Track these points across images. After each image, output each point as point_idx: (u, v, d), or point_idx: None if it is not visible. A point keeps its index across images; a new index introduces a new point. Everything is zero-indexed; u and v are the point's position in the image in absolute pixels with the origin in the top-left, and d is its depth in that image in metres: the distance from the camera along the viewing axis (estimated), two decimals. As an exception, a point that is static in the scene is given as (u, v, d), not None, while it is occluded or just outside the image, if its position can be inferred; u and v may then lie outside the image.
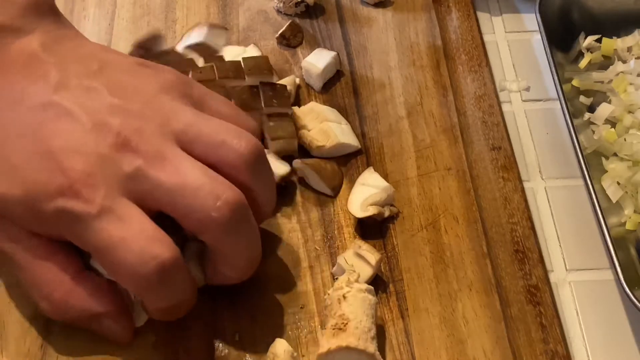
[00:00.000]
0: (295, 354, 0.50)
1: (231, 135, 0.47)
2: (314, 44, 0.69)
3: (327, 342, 0.48)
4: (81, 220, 0.43)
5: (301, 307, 0.54)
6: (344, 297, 0.50)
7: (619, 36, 0.69)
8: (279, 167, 0.58)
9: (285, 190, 0.59)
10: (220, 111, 0.50)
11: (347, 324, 0.48)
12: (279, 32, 0.69)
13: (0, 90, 0.47)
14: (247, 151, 0.47)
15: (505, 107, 0.66)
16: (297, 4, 0.71)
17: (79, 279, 0.47)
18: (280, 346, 0.49)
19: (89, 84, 0.47)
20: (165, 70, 0.51)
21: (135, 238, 0.43)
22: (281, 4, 0.71)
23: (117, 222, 0.43)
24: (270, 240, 0.57)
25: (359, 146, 0.61)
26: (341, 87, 0.66)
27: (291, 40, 0.69)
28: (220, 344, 0.52)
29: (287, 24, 0.69)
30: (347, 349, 0.48)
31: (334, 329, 0.49)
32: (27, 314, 0.53)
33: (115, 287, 0.49)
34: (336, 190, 0.59)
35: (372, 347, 0.48)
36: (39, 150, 0.44)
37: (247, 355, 0.51)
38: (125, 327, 0.49)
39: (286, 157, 0.60)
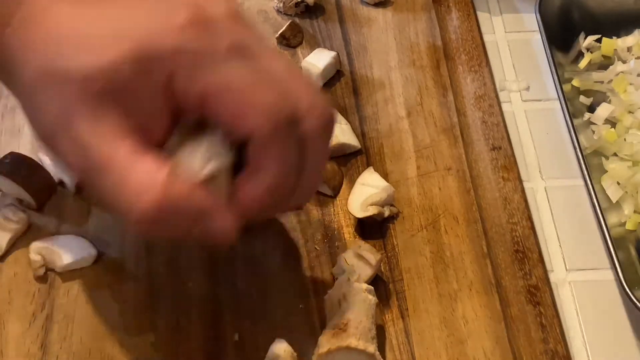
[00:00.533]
0: (295, 354, 0.50)
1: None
2: (314, 44, 0.69)
3: (327, 342, 0.48)
4: (207, 57, 0.41)
5: (301, 307, 0.54)
6: (344, 297, 0.50)
7: (619, 36, 0.69)
8: None
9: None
10: None
11: (347, 324, 0.48)
12: (279, 32, 0.69)
13: None
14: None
15: (505, 107, 0.66)
16: (297, 4, 0.71)
17: (174, 178, 0.42)
18: (280, 346, 0.49)
19: None
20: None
21: (267, 83, 0.42)
22: (281, 4, 0.71)
23: (246, 69, 0.42)
24: (271, 240, 0.57)
25: (359, 146, 0.61)
26: (341, 87, 0.66)
27: (291, 40, 0.69)
28: (220, 344, 0.52)
29: (287, 24, 0.69)
30: (347, 349, 0.48)
31: (334, 329, 0.49)
32: (27, 314, 0.53)
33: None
34: (336, 190, 0.59)
35: (372, 347, 0.48)
36: (148, 4, 0.43)
37: (247, 355, 0.51)
38: (230, 222, 0.44)
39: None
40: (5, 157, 0.59)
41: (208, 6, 0.43)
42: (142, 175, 0.41)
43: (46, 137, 0.44)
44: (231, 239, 0.44)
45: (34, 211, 0.58)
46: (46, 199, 0.59)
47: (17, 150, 0.61)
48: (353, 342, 0.48)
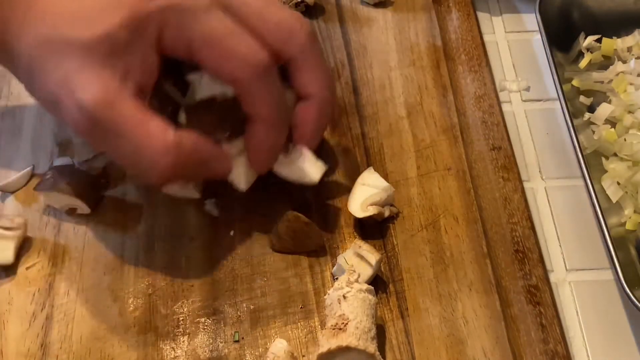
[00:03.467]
0: (295, 354, 0.50)
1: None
2: (314, 44, 0.69)
3: (327, 342, 0.48)
4: (190, 12, 0.48)
5: (301, 307, 0.54)
6: (344, 297, 0.50)
7: (619, 36, 0.69)
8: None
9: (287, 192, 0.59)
10: None
11: (347, 324, 0.48)
12: (279, 32, 0.69)
13: None
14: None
15: (505, 107, 0.66)
16: (297, 4, 0.71)
17: (182, 132, 0.49)
18: (280, 346, 0.50)
19: None
20: None
21: (244, 36, 0.49)
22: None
23: (225, 20, 0.49)
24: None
25: (316, 179, 0.56)
26: (341, 87, 0.66)
27: (291, 40, 0.69)
28: (220, 344, 0.52)
29: (287, 24, 0.69)
30: (347, 349, 0.48)
31: (334, 329, 0.49)
32: (27, 314, 0.53)
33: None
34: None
35: (372, 347, 0.48)
36: None
37: (247, 355, 0.52)
38: (228, 162, 0.53)
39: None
40: (45, 173, 0.58)
41: None
42: (157, 136, 0.47)
43: (50, 103, 0.49)
44: (228, 171, 0.53)
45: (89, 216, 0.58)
46: (99, 198, 0.59)
47: (17, 150, 0.61)
48: (353, 342, 0.48)
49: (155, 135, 0.47)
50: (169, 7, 0.47)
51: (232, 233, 0.57)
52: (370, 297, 0.50)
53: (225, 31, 0.48)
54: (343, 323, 0.48)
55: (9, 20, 0.48)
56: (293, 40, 0.51)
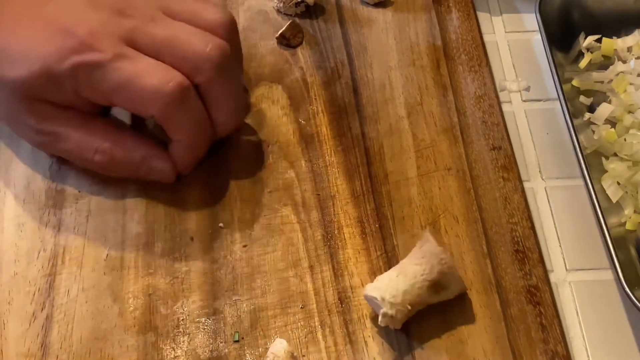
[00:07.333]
0: (295, 354, 0.50)
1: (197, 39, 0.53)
2: (314, 44, 0.69)
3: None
4: (98, 67, 0.51)
5: (301, 307, 0.54)
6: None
7: (619, 36, 0.69)
8: None
9: (287, 190, 0.59)
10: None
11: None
12: (279, 32, 0.69)
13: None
14: (214, 53, 0.53)
15: (505, 107, 0.66)
16: (297, 4, 0.71)
17: (123, 131, 0.57)
18: (280, 346, 0.50)
19: None
20: None
21: (151, 68, 0.52)
22: (281, 4, 0.71)
23: (131, 61, 0.51)
24: (271, 240, 0.57)
25: None
26: (341, 87, 0.66)
27: (291, 40, 0.69)
28: (220, 344, 0.52)
29: (287, 24, 0.69)
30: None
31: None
32: (27, 314, 0.53)
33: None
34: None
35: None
36: (47, 28, 0.52)
37: (247, 355, 0.52)
38: (171, 167, 0.56)
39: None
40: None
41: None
42: (97, 133, 0.55)
43: (7, 123, 0.58)
44: (171, 179, 0.57)
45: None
46: None
47: (17, 150, 0.61)
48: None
49: (94, 137, 0.56)
50: (78, 68, 0.51)
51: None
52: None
53: (134, 74, 0.51)
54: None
55: None
56: (199, 72, 0.53)
